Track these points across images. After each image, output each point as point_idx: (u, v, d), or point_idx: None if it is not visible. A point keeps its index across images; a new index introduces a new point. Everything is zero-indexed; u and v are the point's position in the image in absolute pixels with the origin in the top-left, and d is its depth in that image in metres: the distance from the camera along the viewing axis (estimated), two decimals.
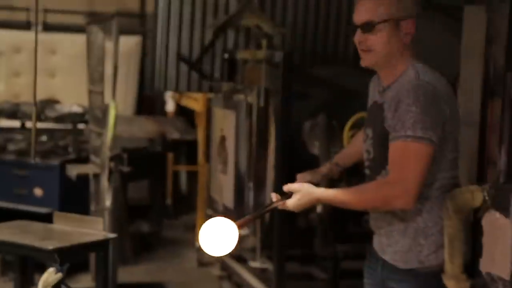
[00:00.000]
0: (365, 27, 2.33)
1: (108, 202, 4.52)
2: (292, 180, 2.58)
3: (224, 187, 4.64)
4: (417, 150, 2.20)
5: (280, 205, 2.41)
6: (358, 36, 2.36)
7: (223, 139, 4.67)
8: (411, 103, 2.22)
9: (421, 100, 2.22)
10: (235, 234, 2.27)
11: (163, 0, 5.60)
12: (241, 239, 4.27)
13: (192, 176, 7.05)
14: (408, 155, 2.21)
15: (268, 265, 4.18)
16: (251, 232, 4.26)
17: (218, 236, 2.24)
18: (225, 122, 4.67)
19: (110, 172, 4.60)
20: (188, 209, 7.00)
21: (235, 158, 4.46)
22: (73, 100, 6.62)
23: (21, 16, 7.15)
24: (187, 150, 7.04)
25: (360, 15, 2.36)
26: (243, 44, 5.28)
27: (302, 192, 2.35)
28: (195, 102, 5.91)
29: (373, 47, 2.34)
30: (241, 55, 4.84)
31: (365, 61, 2.37)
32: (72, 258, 3.27)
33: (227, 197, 4.55)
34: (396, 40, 2.33)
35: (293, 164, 3.93)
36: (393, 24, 2.33)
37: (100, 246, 3.34)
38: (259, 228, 4.21)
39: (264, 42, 4.53)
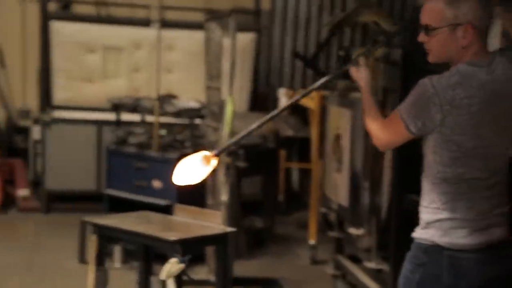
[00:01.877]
0: (425, 30, 2.54)
1: (225, 196, 4.56)
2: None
3: (338, 185, 4.62)
4: (397, 123, 2.58)
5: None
6: (421, 37, 2.57)
7: (338, 137, 4.66)
8: (411, 92, 2.56)
9: (414, 95, 2.53)
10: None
11: None
12: (357, 238, 4.28)
13: (304, 173, 7.07)
14: (392, 121, 2.62)
15: (384, 266, 4.14)
16: (367, 232, 4.24)
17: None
18: (341, 120, 4.65)
19: (227, 167, 4.64)
20: (300, 206, 7.01)
21: (350, 157, 4.43)
22: (189, 95, 6.71)
23: (141, 13, 7.31)
24: (299, 147, 7.06)
25: (422, 18, 2.56)
26: (359, 41, 5.25)
27: (364, 74, 2.83)
28: (309, 99, 5.91)
29: (431, 49, 2.56)
30: (357, 52, 4.79)
31: (429, 59, 2.60)
32: (193, 250, 3.28)
33: (342, 196, 4.54)
34: (453, 44, 2.52)
35: (410, 163, 3.87)
36: (450, 29, 2.50)
37: (219, 239, 3.34)
38: (375, 228, 4.18)
39: (381, 39, 4.47)
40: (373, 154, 4.20)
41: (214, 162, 2.79)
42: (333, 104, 4.89)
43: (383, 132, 2.64)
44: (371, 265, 4.17)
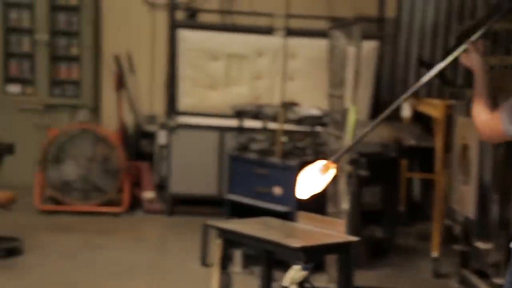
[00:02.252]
0: None
1: (346, 205, 4.52)
2: None
3: (465, 197, 4.48)
4: (496, 122, 2.62)
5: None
6: None
7: (465, 148, 4.51)
8: None
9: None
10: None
11: (407, 4, 5.50)
12: (484, 253, 4.12)
13: (426, 184, 6.91)
14: (494, 118, 2.64)
15: None
16: (495, 246, 4.08)
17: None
18: (468, 131, 4.51)
19: (349, 176, 4.59)
20: (422, 217, 6.85)
21: (479, 168, 4.28)
22: (310, 103, 6.67)
23: (264, 21, 7.36)
24: (421, 157, 6.90)
25: None
26: (489, 49, 5.08)
27: (476, 59, 2.81)
28: (434, 108, 5.77)
29: None
30: (487, 61, 4.63)
31: None
32: (316, 257, 3.30)
33: (469, 208, 4.39)
34: None
35: None
36: None
37: (342, 248, 3.29)
38: (504, 242, 4.01)
39: None
40: (503, 166, 4.04)
41: (333, 169, 2.78)
42: (460, 113, 4.74)
43: (485, 126, 2.65)
44: (500, 281, 4.01)
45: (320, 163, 2.76)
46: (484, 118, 2.65)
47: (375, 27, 7.33)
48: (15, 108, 7.85)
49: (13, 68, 7.93)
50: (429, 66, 5.31)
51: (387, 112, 2.98)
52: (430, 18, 5.24)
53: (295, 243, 3.13)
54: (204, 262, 5.35)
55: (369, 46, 7.08)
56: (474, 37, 2.88)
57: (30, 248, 5.65)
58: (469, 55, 2.82)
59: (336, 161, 2.79)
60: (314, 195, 5.18)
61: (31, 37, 7.87)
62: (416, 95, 5.70)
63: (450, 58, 2.92)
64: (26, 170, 7.42)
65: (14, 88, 7.92)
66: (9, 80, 7.90)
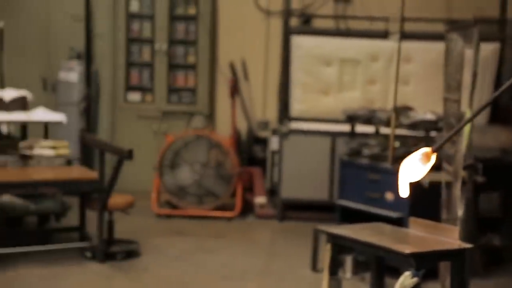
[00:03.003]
0: None
1: (460, 211, 4.36)
2: None
3: None
4: None
5: None
6: None
7: None
8: None
9: None
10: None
11: None
12: None
13: None
14: None
15: None
16: None
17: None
18: None
19: (463, 182, 4.43)
20: None
21: None
22: (425, 107, 6.55)
23: (379, 26, 7.25)
24: None
25: None
26: None
27: None
28: None
29: None
30: None
31: None
32: (427, 264, 3.17)
33: None
34: None
35: None
36: None
37: (455, 255, 3.19)
38: None
39: None
40: None
41: (433, 158, 2.68)
42: None
43: None
44: None
45: (421, 151, 2.65)
46: None
47: (496, 28, 7.09)
48: (135, 115, 8.08)
49: (134, 77, 8.17)
50: None
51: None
52: None
53: (406, 249, 3.07)
54: (314, 268, 5.38)
55: (489, 49, 6.91)
56: None
57: (146, 250, 5.78)
58: None
59: (437, 150, 2.67)
60: (426, 200, 5.05)
61: (151, 47, 8.08)
62: None
63: None
64: (144, 175, 7.62)
65: (134, 96, 8.15)
66: (130, 88, 8.14)
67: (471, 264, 4.71)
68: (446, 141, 2.87)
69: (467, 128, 4.53)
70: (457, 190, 4.42)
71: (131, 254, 5.59)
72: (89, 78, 6.84)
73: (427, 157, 2.73)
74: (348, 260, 5.25)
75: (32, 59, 8.02)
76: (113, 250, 5.51)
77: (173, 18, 8.05)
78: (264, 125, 7.91)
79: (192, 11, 8.04)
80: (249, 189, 7.37)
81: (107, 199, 5.48)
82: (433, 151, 2.68)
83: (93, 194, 5.61)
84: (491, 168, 5.22)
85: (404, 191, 2.65)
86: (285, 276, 5.30)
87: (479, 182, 4.67)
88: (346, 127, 6.51)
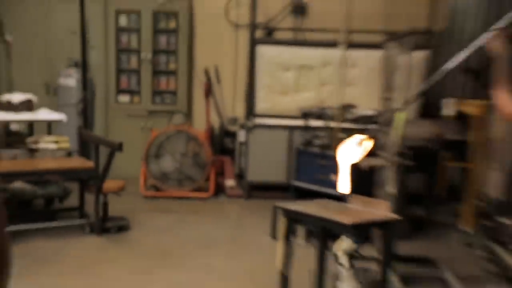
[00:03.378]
0: None
1: (392, 189, 4.47)
2: None
3: (494, 181, 4.39)
4: None
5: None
6: None
7: (495, 140, 4.41)
8: None
9: None
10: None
11: (457, 17, 5.36)
12: (508, 227, 4.03)
13: (463, 172, 6.76)
14: None
15: None
16: None
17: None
18: (500, 126, 4.41)
19: (396, 165, 4.53)
20: (458, 200, 6.71)
21: (507, 157, 4.18)
22: (366, 105, 6.69)
23: (330, 36, 7.24)
24: (459, 149, 6.75)
25: None
26: None
27: (500, 44, 2.56)
28: (473, 107, 5.63)
29: None
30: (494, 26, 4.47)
31: None
32: (364, 233, 3.26)
33: (497, 191, 4.30)
34: None
35: None
36: None
37: (386, 224, 3.30)
38: None
39: None
40: None
41: (367, 144, 2.77)
42: (494, 112, 4.62)
43: (505, 107, 2.47)
44: None
45: (358, 137, 2.76)
46: (505, 100, 2.47)
47: (426, 38, 7.19)
48: (124, 114, 8.01)
49: (123, 81, 8.09)
50: (475, 72, 5.19)
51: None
52: (472, 29, 5.15)
53: (346, 220, 3.15)
54: (273, 236, 5.39)
55: (419, 56, 6.94)
56: (499, 24, 2.71)
57: (135, 225, 5.78)
58: (494, 40, 2.64)
59: (371, 137, 2.78)
60: (363, 180, 5.14)
61: (138, 56, 8.03)
62: (460, 96, 5.59)
63: (476, 44, 2.82)
64: (133, 163, 7.59)
65: (124, 98, 8.07)
66: (120, 91, 8.08)
67: (400, 231, 4.85)
68: (378, 129, 2.97)
69: (400, 121, 4.63)
70: (389, 172, 4.54)
71: (122, 228, 5.58)
72: (85, 83, 6.82)
73: (362, 142, 2.85)
74: (301, 230, 5.28)
75: (36, 67, 7.95)
76: (107, 226, 5.51)
77: (157, 31, 7.97)
78: (234, 121, 7.92)
79: (172, 25, 7.98)
80: (220, 173, 7.38)
81: (102, 184, 5.49)
82: (368, 138, 2.80)
83: (90, 180, 5.62)
84: (418, 154, 5.34)
85: (343, 171, 2.75)
86: (249, 243, 5.36)
87: (409, 165, 4.77)
88: (301, 122, 6.59)
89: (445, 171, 6.73)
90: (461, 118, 6.17)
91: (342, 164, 2.89)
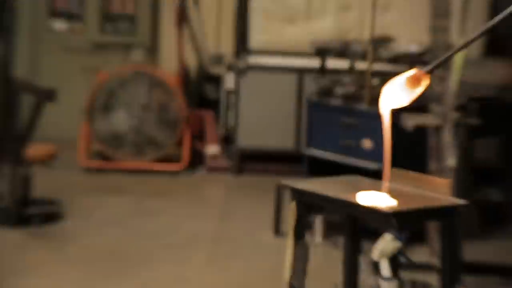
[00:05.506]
0: None
1: (452, 161, 4.45)
2: None
3: None
4: None
5: None
6: None
7: None
8: None
9: None
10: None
11: None
12: None
13: None
14: None
15: None
16: None
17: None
18: None
19: (455, 125, 4.49)
20: None
21: None
22: (409, 37, 6.70)
23: None
24: None
25: None
26: None
27: None
28: None
29: None
30: None
31: None
32: (412, 225, 3.16)
33: None
34: None
35: None
36: None
37: (446, 213, 3.19)
38: None
39: None
40: None
41: (426, 82, 2.78)
42: None
43: None
44: None
45: (410, 73, 2.74)
46: None
47: None
48: (60, 48, 8.09)
49: (60, 0, 8.12)
50: None
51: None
52: None
53: (387, 206, 3.05)
54: (277, 231, 5.44)
55: None
56: None
57: (71, 213, 5.76)
58: None
59: (429, 72, 2.74)
60: (411, 148, 5.07)
61: None
62: None
63: None
64: (70, 120, 7.63)
65: (60, 24, 8.13)
66: (55, 14, 8.11)
67: (465, 224, 4.77)
68: (441, 62, 2.84)
69: (458, 61, 4.58)
70: (447, 135, 4.47)
71: (52, 217, 5.57)
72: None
73: (417, 80, 2.75)
74: (318, 222, 5.29)
75: None
76: (29, 213, 5.48)
77: None
78: (218, 59, 7.91)
79: None
80: (199, 136, 7.38)
81: (21, 149, 5.45)
82: (425, 73, 2.71)
83: (4, 143, 5.52)
84: (488, 109, 5.24)
85: (386, 124, 2.84)
86: (242, 242, 5.36)
87: (474, 125, 4.72)
88: (315, 62, 6.51)
89: None
90: None
91: (382, 120, 2.88)
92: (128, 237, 5.35)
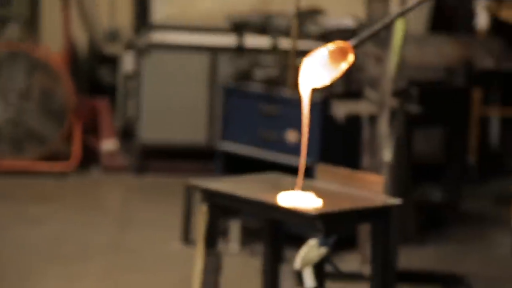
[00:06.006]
0: None
1: (387, 155, 4.54)
2: None
3: None
4: None
5: None
6: None
7: None
8: None
9: None
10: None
11: None
12: None
13: (510, 124, 6.93)
14: None
15: None
16: None
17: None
18: None
19: (393, 114, 4.60)
20: (501, 172, 6.91)
21: None
22: (341, 10, 6.70)
23: None
24: (503, 87, 6.91)
25: None
26: None
27: None
28: None
29: None
30: None
31: None
32: (340, 229, 3.27)
33: None
34: None
35: None
36: None
37: (379, 215, 3.29)
38: None
39: None
40: None
41: (351, 57, 2.85)
42: None
43: None
44: None
45: (334, 46, 2.82)
46: None
47: None
48: None
49: None
50: None
51: None
52: None
53: (312, 208, 3.14)
54: (186, 239, 5.47)
55: None
56: None
57: None
58: None
59: (356, 46, 2.84)
60: (342, 141, 5.20)
61: None
62: None
63: None
64: None
65: None
66: None
67: (400, 227, 4.94)
68: (372, 34, 2.99)
69: (397, 39, 4.69)
70: (383, 125, 4.59)
71: None
72: None
73: (341, 54, 2.86)
74: (233, 227, 5.41)
75: None
76: None
77: None
78: (113, 36, 7.90)
79: None
80: (91, 130, 7.37)
81: None
82: (351, 47, 2.82)
83: None
84: (430, 95, 5.42)
85: (303, 90, 2.87)
86: (144, 253, 5.39)
87: (414, 114, 4.84)
88: (231, 40, 6.55)
89: (479, 124, 6.87)
90: (505, 32, 6.28)
91: (305, 106, 2.96)
92: (7, 250, 5.29)
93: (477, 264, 5.36)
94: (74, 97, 7.10)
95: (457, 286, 4.69)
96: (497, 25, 6.83)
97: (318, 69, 2.89)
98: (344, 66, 2.87)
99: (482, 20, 6.90)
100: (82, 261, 5.23)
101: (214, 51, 6.99)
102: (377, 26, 3.00)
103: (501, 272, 5.26)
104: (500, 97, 7.06)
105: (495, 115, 7.17)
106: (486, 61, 6.20)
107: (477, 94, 6.76)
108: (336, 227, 3.18)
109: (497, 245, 5.69)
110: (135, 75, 7.10)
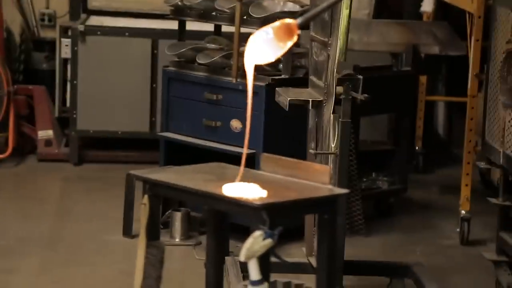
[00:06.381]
0: None
1: (333, 143, 4.56)
2: None
3: (508, 129, 4.57)
4: None
5: None
6: None
7: (510, 57, 4.58)
8: None
9: None
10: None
11: None
12: None
13: (456, 111, 7.00)
14: None
15: None
16: None
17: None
18: None
19: (338, 101, 4.62)
20: (447, 159, 6.99)
21: None
22: None
23: None
24: (448, 73, 6.97)
25: None
26: None
27: None
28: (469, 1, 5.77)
29: None
30: None
31: None
32: (286, 219, 3.29)
33: None
34: None
35: None
36: None
37: (325, 205, 3.32)
38: None
39: None
40: None
41: (296, 35, 2.91)
42: (506, 7, 4.79)
43: None
44: None
45: (280, 24, 2.88)
46: None
47: None
48: None
49: None
50: None
51: None
52: None
53: (256, 198, 3.17)
54: (128, 232, 5.46)
55: None
56: None
57: None
58: None
59: (302, 25, 2.89)
60: (286, 129, 5.21)
61: None
62: None
63: None
64: None
65: None
66: None
67: (347, 217, 4.97)
68: (318, 13, 3.09)
69: (344, 25, 4.70)
70: (328, 113, 4.61)
71: None
72: None
73: (287, 32, 2.90)
74: (178, 218, 5.42)
75: None
76: None
77: None
78: (49, 19, 7.88)
79: None
80: (27, 118, 7.33)
81: None
82: (298, 25, 2.85)
83: None
84: (377, 81, 5.46)
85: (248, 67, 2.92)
86: (83, 246, 5.38)
87: (361, 101, 4.86)
88: (172, 24, 6.51)
89: (425, 111, 6.93)
90: (456, 18, 6.35)
91: (249, 90, 2.98)
92: None
93: (424, 253, 5.43)
94: (8, 84, 7.03)
95: (404, 276, 4.72)
96: (442, 9, 6.88)
97: (263, 47, 2.93)
98: (289, 44, 2.93)
99: (427, 4, 6.94)
100: (18, 254, 5.21)
101: (154, 36, 6.96)
102: (322, 6, 3.06)
103: (448, 261, 5.34)
104: (446, 83, 7.13)
105: (441, 101, 7.23)
106: (431, 47, 6.26)
107: (423, 80, 6.82)
108: (281, 218, 3.20)
109: (446, 234, 5.76)
110: (72, 61, 7.04)
